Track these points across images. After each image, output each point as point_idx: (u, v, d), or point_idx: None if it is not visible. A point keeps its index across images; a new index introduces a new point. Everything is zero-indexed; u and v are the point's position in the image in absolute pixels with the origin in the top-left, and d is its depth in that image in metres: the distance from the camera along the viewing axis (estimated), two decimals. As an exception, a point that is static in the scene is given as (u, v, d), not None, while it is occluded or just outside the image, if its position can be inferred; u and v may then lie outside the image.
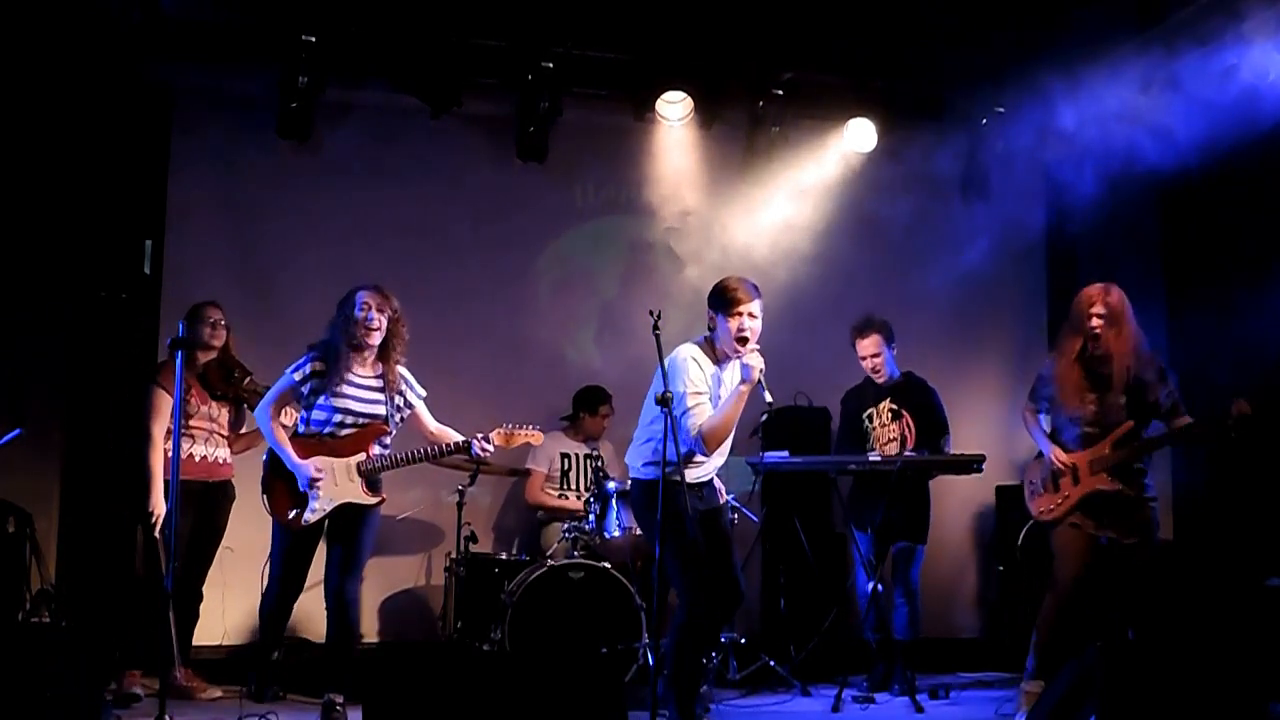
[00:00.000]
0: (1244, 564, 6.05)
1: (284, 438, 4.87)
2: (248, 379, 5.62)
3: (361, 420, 4.88)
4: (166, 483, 5.38)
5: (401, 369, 5.00)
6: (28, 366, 6.29)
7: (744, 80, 7.00)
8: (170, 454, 5.44)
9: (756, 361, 4.43)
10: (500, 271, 7.11)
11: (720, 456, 4.72)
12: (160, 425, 5.45)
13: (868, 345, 6.04)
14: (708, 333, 4.66)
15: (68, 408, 6.39)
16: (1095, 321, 5.09)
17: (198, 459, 5.51)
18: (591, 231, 7.34)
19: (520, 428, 5.09)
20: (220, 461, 5.62)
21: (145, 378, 5.58)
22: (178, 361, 4.74)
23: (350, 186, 6.92)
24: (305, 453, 4.83)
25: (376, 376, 4.93)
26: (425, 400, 5.10)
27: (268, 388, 5.57)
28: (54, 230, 6.40)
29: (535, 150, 6.93)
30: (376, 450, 4.89)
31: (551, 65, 6.59)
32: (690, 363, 4.54)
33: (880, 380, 6.07)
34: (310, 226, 6.87)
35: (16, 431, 5.54)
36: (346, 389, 4.85)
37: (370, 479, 4.88)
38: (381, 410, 4.92)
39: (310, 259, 6.77)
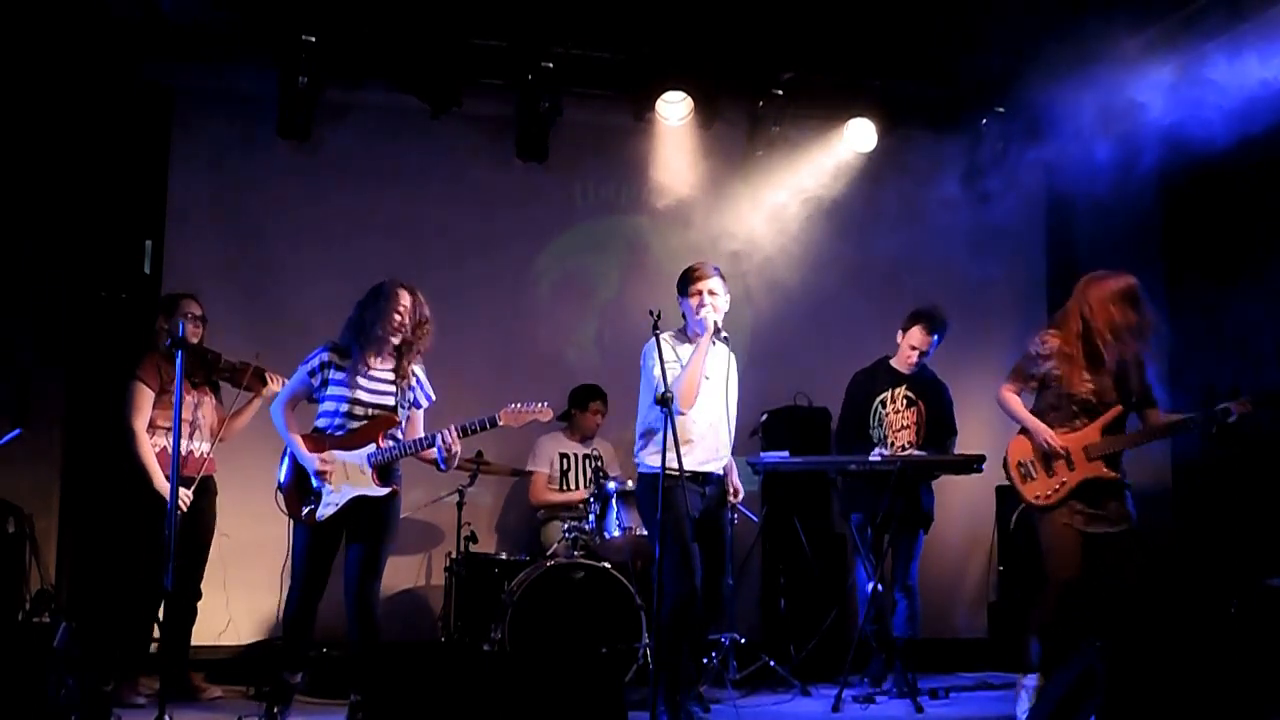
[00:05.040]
0: (1244, 564, 6.04)
1: (295, 432, 4.83)
2: (221, 359, 5.57)
3: (371, 411, 4.82)
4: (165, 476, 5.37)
5: (417, 369, 4.94)
6: (28, 366, 6.29)
7: (744, 80, 7.01)
8: (170, 451, 5.43)
9: (710, 315, 4.88)
10: (500, 271, 7.11)
11: (714, 445, 4.95)
12: (142, 419, 5.42)
13: (924, 340, 5.93)
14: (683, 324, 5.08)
15: (68, 408, 6.39)
16: (1100, 308, 5.00)
17: (182, 454, 5.42)
18: (591, 231, 7.33)
19: (528, 405, 4.91)
20: (202, 456, 5.57)
21: (125, 373, 5.52)
22: (178, 361, 4.73)
23: (350, 186, 6.93)
24: (316, 448, 4.80)
25: (389, 369, 4.89)
26: (427, 408, 5.01)
27: (243, 362, 5.59)
28: (54, 230, 6.39)
29: (535, 150, 6.94)
30: (388, 443, 4.83)
31: (551, 65, 6.60)
32: (661, 339, 4.86)
33: (906, 369, 6.02)
34: (310, 226, 6.87)
35: (16, 431, 5.53)
36: (355, 378, 4.81)
37: (382, 470, 4.83)
38: (391, 401, 4.86)
39: (310, 258, 6.78)
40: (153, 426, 5.46)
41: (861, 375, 6.13)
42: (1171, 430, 5.12)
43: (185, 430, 5.49)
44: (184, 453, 5.47)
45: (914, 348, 5.96)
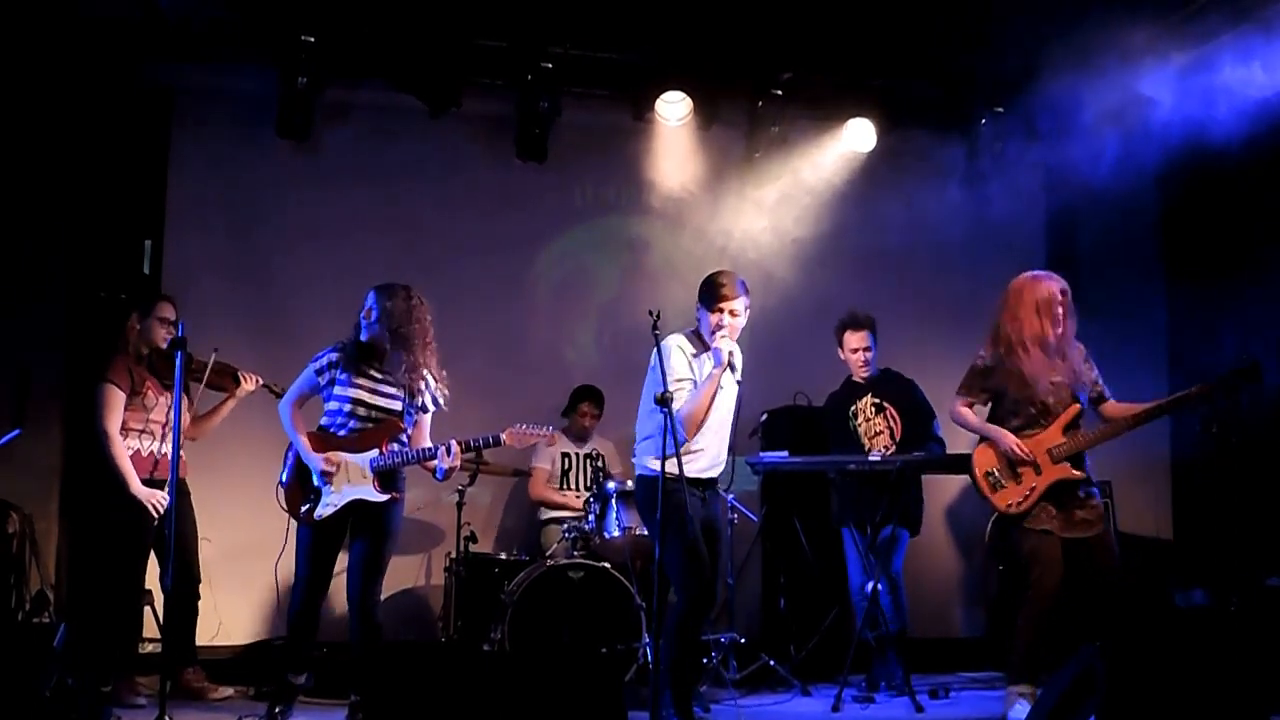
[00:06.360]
0: (1244, 564, 6.05)
1: (302, 431, 4.82)
2: (193, 359, 5.49)
3: (376, 415, 4.81)
4: (142, 480, 5.35)
5: (427, 373, 4.86)
6: (28, 366, 6.28)
7: (743, 80, 7.00)
8: (142, 454, 5.42)
9: (726, 345, 4.64)
10: (500, 271, 7.11)
11: (718, 450, 4.86)
12: (114, 422, 5.36)
13: (859, 339, 6.07)
14: (697, 324, 4.85)
15: (68, 408, 6.38)
16: (1026, 314, 5.10)
17: (159, 455, 5.45)
18: (591, 231, 7.33)
19: (533, 427, 4.92)
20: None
21: (94, 376, 5.47)
22: (178, 362, 4.72)
23: (350, 186, 6.93)
24: (320, 447, 4.79)
25: (398, 373, 4.83)
26: (434, 411, 4.98)
27: (216, 362, 5.58)
28: (54, 230, 6.39)
29: (535, 150, 6.93)
30: (392, 448, 4.82)
31: (551, 65, 6.60)
32: (675, 351, 4.71)
33: (863, 375, 6.11)
34: (310, 226, 6.87)
35: (16, 431, 5.53)
36: (361, 380, 4.80)
37: (384, 476, 4.82)
38: (398, 405, 4.84)
39: (310, 258, 6.78)
40: (124, 429, 5.41)
41: (831, 396, 6.27)
42: (1136, 423, 5.04)
43: (157, 432, 5.47)
44: (151, 454, 5.46)
45: (855, 349, 6.09)
